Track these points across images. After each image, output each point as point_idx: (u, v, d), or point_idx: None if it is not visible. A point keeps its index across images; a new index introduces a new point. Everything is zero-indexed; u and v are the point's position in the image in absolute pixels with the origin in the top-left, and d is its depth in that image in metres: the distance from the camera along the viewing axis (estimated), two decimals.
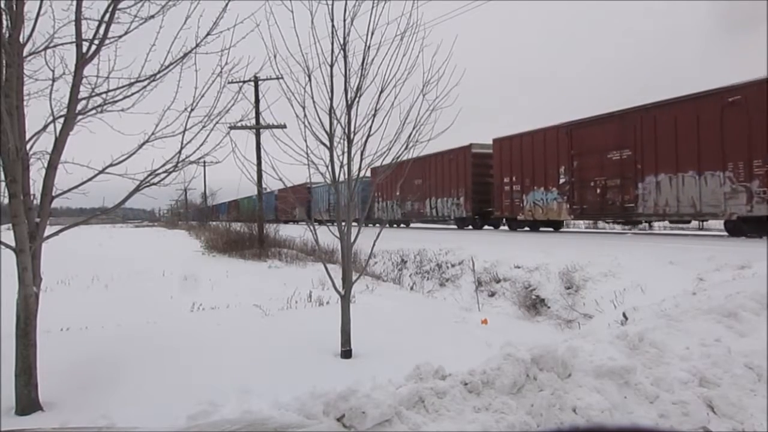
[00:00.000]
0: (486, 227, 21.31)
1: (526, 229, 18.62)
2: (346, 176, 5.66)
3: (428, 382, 3.33)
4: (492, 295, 10.51)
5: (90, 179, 4.70)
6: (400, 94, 5.43)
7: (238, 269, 13.17)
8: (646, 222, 16.70)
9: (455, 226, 23.01)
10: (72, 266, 11.68)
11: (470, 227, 21.63)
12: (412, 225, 27.84)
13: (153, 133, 4.76)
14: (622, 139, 14.27)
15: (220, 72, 4.99)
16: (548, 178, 16.91)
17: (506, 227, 20.03)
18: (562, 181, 16.40)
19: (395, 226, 27.09)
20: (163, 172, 4.81)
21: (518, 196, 18.19)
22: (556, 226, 18.82)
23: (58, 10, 4.51)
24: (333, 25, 5.32)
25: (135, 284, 10.50)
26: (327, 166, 5.61)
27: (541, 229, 18.48)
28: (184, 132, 4.80)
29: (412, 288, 12.51)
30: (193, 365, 5.12)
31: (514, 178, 18.36)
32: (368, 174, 8.41)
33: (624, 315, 6.81)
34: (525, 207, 17.88)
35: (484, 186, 20.40)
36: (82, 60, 4.42)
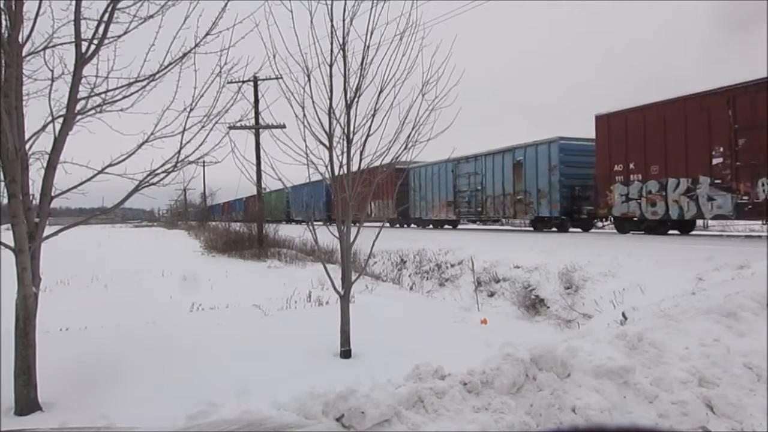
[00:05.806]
0: None
1: None
2: (346, 174, 5.66)
3: (427, 382, 3.33)
4: (491, 295, 10.51)
5: (89, 179, 4.70)
6: (399, 94, 5.43)
7: (238, 269, 13.16)
8: None
9: None
10: (71, 266, 11.68)
11: None
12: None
13: (152, 133, 4.76)
14: None
15: (220, 72, 4.99)
16: None
17: None
18: None
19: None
20: (163, 172, 4.81)
21: None
22: None
23: (57, 10, 4.51)
24: (332, 25, 5.32)
25: (134, 284, 10.51)
26: (326, 166, 5.62)
27: None
28: (183, 132, 4.80)
29: (411, 288, 12.49)
30: (192, 365, 5.12)
31: None
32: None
33: (623, 315, 6.81)
34: None
35: None
36: (81, 60, 4.42)
